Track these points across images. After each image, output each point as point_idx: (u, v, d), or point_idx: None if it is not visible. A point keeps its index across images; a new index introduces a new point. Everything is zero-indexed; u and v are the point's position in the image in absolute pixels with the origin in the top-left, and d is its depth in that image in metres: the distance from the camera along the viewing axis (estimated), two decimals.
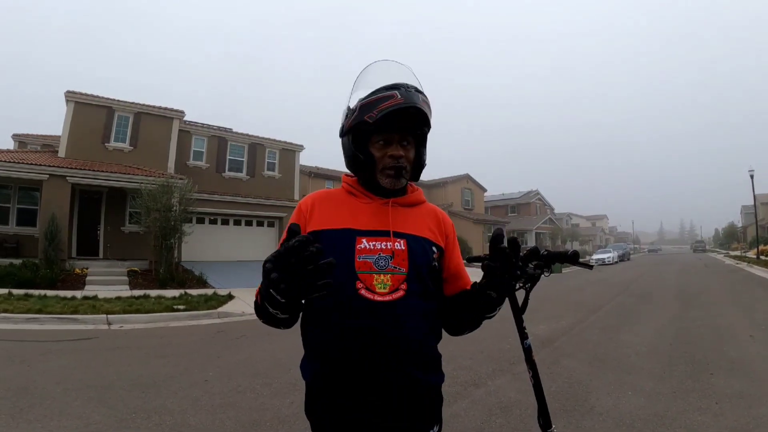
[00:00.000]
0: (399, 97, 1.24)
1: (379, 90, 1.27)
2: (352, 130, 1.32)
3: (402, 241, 1.29)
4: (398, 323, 1.22)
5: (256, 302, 1.22)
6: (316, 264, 0.94)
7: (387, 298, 1.23)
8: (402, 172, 1.32)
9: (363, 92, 1.30)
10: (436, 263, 1.35)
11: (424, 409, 1.31)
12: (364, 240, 1.27)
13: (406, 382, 1.24)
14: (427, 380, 1.31)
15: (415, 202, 1.42)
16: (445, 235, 1.42)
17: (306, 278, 0.95)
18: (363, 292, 1.22)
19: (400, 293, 1.24)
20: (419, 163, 1.38)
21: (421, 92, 1.30)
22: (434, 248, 1.35)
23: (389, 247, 1.27)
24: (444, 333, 1.43)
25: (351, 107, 1.33)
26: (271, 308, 1.07)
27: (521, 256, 1.57)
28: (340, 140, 1.41)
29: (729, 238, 66.92)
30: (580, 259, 1.66)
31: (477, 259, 1.92)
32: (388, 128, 1.28)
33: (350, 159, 1.36)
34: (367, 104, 1.27)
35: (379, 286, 1.23)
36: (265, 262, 0.98)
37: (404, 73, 1.33)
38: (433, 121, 1.36)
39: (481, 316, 1.30)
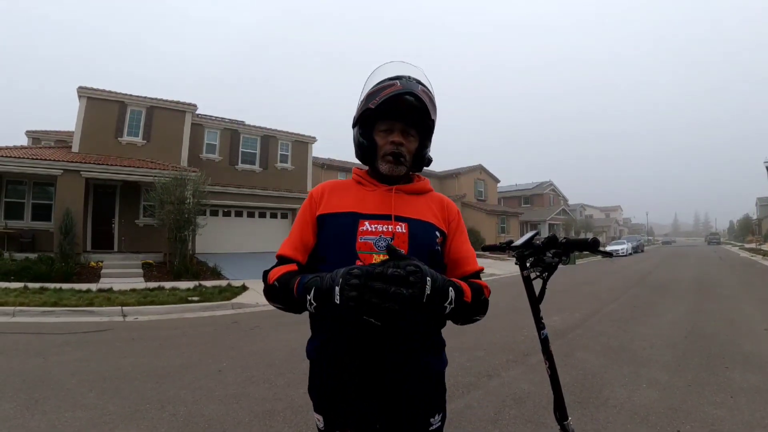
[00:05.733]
0: (399, 85, 1.32)
1: (384, 81, 1.37)
2: (360, 119, 1.41)
3: (403, 225, 1.34)
4: None
5: (273, 286, 1.31)
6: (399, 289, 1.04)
7: None
8: (400, 159, 1.38)
9: (371, 85, 1.41)
10: (439, 247, 1.39)
11: (425, 394, 1.33)
12: (366, 222, 1.33)
13: (403, 363, 1.27)
14: (425, 364, 1.33)
15: (420, 190, 1.47)
16: (449, 221, 1.46)
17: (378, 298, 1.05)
18: None
19: None
20: (421, 155, 1.45)
21: (422, 84, 1.38)
22: (437, 233, 1.39)
23: (390, 229, 1.32)
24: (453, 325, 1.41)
25: (361, 99, 1.43)
26: (313, 300, 1.16)
27: (539, 245, 1.56)
28: (352, 132, 1.49)
29: (744, 230, 66.21)
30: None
31: (491, 248, 1.91)
32: (390, 115, 1.36)
33: (357, 147, 1.45)
34: (372, 93, 1.37)
35: None
36: (352, 276, 1.06)
37: (412, 71, 1.41)
38: (440, 114, 1.44)
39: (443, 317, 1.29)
